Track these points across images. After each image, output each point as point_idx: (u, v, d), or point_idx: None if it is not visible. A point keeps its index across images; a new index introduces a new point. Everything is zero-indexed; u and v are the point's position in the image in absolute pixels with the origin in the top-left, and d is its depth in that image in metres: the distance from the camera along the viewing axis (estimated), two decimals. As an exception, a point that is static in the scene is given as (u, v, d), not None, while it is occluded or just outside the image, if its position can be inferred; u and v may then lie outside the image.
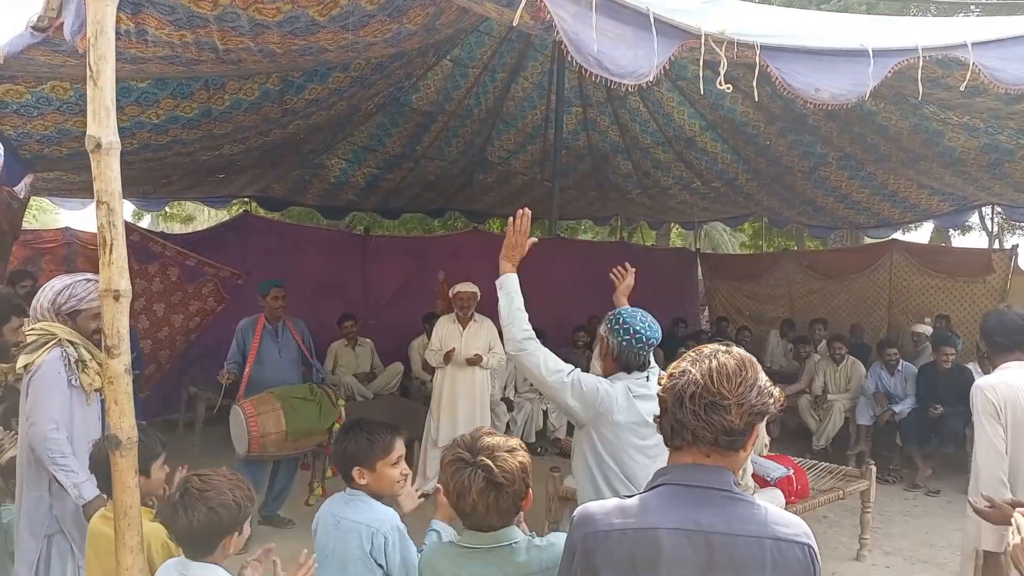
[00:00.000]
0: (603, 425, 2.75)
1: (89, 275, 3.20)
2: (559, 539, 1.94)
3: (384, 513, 2.41)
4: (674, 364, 1.61)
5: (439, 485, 2.26)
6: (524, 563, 1.95)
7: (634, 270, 3.44)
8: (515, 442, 2.04)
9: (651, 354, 2.86)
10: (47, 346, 3.02)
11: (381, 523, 2.36)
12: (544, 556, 1.98)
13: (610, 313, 2.94)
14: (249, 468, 5.36)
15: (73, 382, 3.06)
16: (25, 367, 3.01)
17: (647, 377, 2.83)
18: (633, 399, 2.76)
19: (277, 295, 5.66)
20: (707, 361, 1.54)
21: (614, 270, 3.46)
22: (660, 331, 2.85)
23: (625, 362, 2.81)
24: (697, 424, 1.50)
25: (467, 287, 6.38)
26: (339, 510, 2.45)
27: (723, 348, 1.59)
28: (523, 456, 2.00)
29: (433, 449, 6.37)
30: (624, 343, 2.78)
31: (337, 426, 5.34)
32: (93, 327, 3.12)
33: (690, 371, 1.53)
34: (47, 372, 3.01)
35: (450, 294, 6.53)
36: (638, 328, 2.77)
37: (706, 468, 1.53)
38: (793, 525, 1.53)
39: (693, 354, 1.59)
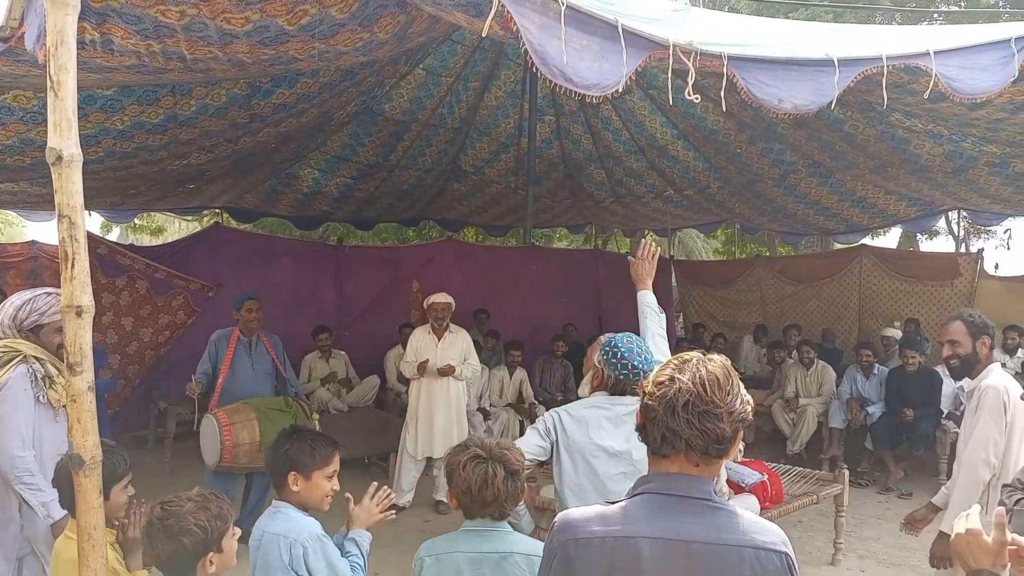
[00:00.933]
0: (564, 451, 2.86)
1: (49, 288, 3.17)
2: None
3: (303, 523, 2.41)
4: (657, 371, 1.60)
5: (348, 496, 2.63)
6: (514, 544, 2.26)
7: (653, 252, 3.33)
8: (510, 442, 2.41)
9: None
10: (12, 363, 2.95)
11: (299, 533, 2.37)
12: (530, 544, 2.28)
13: (605, 344, 2.89)
14: (220, 482, 5.27)
15: (41, 399, 3.00)
16: None
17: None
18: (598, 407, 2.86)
19: (251, 308, 5.60)
20: (696, 369, 1.54)
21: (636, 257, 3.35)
22: (653, 360, 2.85)
23: (619, 391, 2.84)
24: (691, 433, 1.49)
25: (442, 298, 6.35)
26: (264, 524, 2.46)
27: (705, 356, 1.60)
28: (520, 451, 2.37)
29: (409, 461, 6.32)
30: (622, 376, 2.81)
31: None
32: (57, 341, 3.07)
33: (679, 379, 1.53)
34: (14, 389, 2.94)
35: (424, 305, 6.49)
36: (636, 364, 2.79)
37: (688, 477, 1.53)
38: (771, 533, 1.54)
39: (676, 361, 1.59)
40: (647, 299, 3.26)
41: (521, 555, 2.23)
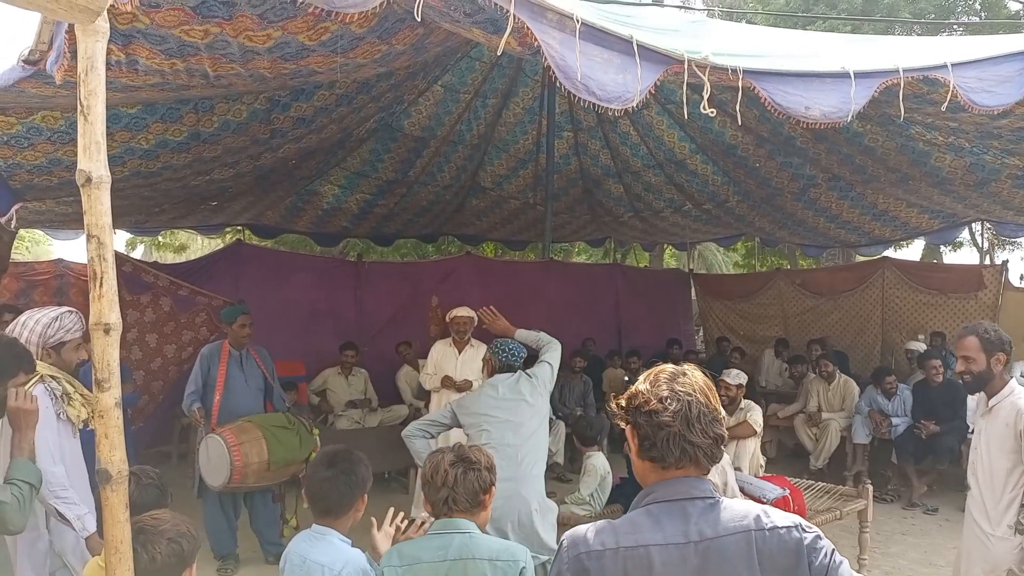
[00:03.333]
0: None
1: (68, 308, 3.29)
2: (516, 545, 2.29)
3: (351, 555, 2.39)
4: (648, 388, 1.60)
5: (374, 520, 2.61)
6: (478, 548, 2.22)
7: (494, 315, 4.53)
8: (480, 448, 2.48)
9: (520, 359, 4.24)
10: (30, 383, 2.97)
11: (344, 564, 2.34)
12: (493, 546, 2.26)
13: (492, 345, 4.31)
14: (222, 504, 5.25)
15: (61, 415, 3.05)
16: None
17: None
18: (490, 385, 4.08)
19: (244, 323, 5.43)
20: (691, 381, 1.60)
21: (485, 312, 4.58)
22: (520, 348, 4.26)
23: (501, 370, 4.14)
24: (704, 441, 1.55)
25: (464, 312, 6.33)
26: (304, 550, 2.43)
27: (679, 368, 1.64)
28: (490, 455, 2.42)
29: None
30: (503, 359, 4.16)
31: (314, 455, 5.23)
32: (75, 359, 3.15)
33: (681, 392, 1.57)
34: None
35: (447, 319, 6.49)
36: (510, 348, 4.20)
37: (688, 479, 1.58)
38: (777, 516, 1.57)
39: (665, 376, 1.61)
40: (524, 334, 4.36)
41: (486, 561, 2.20)
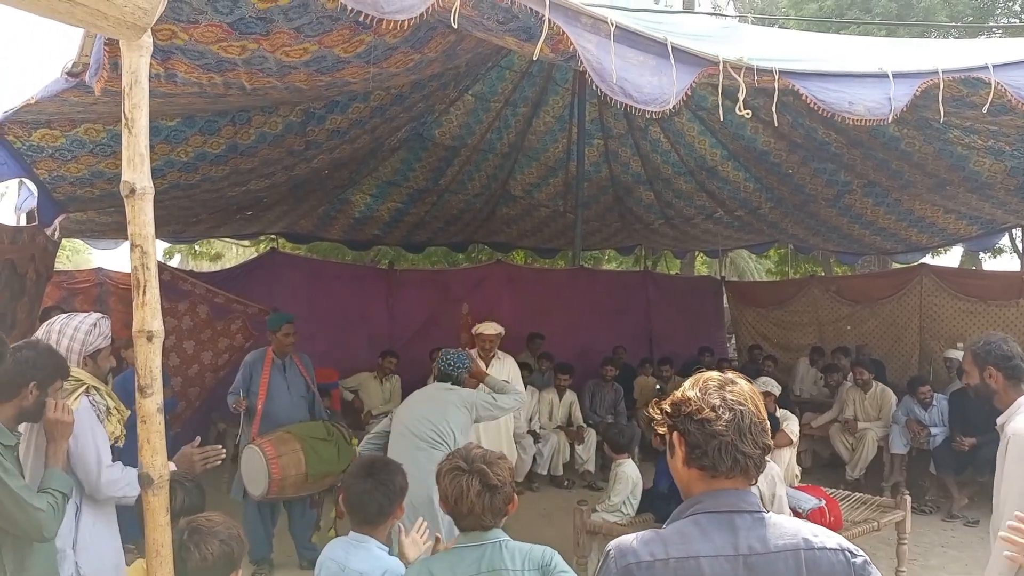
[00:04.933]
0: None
1: (100, 314, 3.23)
2: (542, 546, 2.30)
3: (389, 563, 2.41)
4: (698, 396, 1.58)
5: (400, 527, 2.63)
6: (508, 558, 2.20)
7: None
8: (500, 453, 2.40)
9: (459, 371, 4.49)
10: (77, 393, 2.92)
11: (383, 572, 2.37)
12: (524, 549, 2.25)
13: (439, 355, 4.65)
14: (261, 511, 5.32)
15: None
16: None
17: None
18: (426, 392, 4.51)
19: (288, 331, 5.49)
20: (739, 388, 1.58)
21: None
22: (464, 357, 4.56)
23: (439, 379, 4.46)
24: (755, 451, 1.55)
25: (491, 329, 6.16)
26: (342, 558, 2.45)
27: (726, 376, 1.62)
28: (510, 464, 2.35)
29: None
30: (442, 367, 4.44)
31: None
32: (107, 366, 3.15)
33: (731, 400, 1.56)
34: (85, 418, 2.90)
35: (473, 332, 6.44)
36: (449, 358, 4.47)
37: (736, 492, 1.56)
38: (825, 536, 1.56)
39: (713, 384, 1.59)
40: (492, 382, 4.58)
41: (517, 571, 2.18)
